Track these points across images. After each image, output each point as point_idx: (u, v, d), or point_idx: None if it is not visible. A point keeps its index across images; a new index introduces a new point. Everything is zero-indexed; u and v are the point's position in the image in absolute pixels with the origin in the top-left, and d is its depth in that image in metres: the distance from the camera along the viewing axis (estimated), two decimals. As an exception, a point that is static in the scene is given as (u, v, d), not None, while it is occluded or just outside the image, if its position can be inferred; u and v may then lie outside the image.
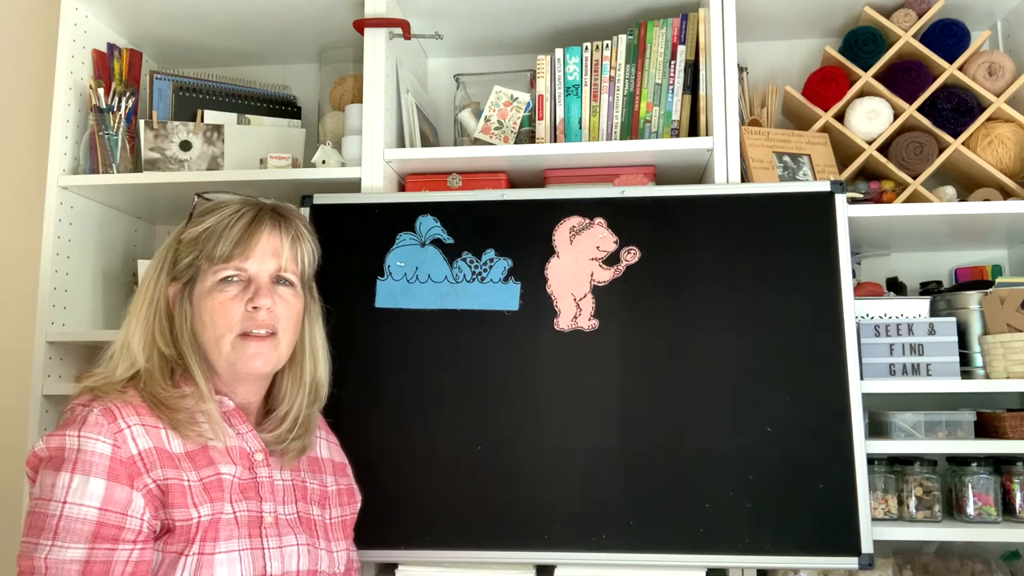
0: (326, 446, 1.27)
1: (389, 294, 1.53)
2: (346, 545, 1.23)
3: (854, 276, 1.57)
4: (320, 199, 1.60)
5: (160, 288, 1.13)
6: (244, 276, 1.11)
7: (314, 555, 1.13)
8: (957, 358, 1.51)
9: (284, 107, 1.96)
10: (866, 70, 1.73)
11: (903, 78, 1.72)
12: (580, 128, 1.70)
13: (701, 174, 1.73)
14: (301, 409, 1.17)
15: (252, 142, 1.83)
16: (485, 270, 1.52)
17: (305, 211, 1.59)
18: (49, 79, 1.76)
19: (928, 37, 1.73)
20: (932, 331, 1.52)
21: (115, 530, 0.97)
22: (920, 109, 1.71)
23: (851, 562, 1.38)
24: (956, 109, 1.70)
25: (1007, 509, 1.51)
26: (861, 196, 1.64)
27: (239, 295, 1.10)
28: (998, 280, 1.64)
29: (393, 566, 1.47)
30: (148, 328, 1.11)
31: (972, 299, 1.58)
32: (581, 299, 1.49)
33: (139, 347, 1.10)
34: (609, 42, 1.71)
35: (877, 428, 1.57)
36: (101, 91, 1.76)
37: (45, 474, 0.99)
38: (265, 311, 1.10)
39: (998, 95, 1.69)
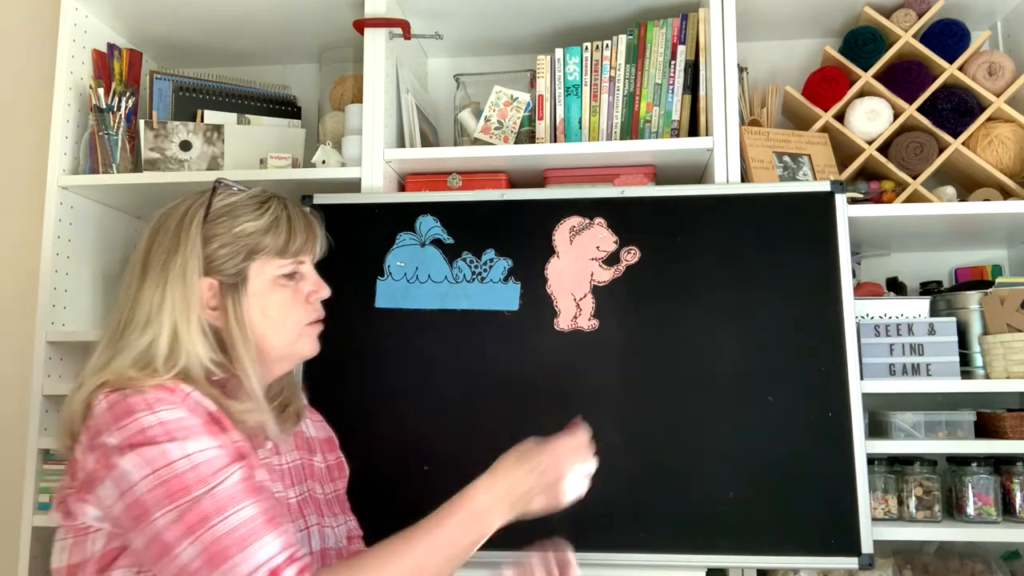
0: (312, 426, 1.28)
1: (389, 294, 1.53)
2: (344, 518, 1.23)
3: (854, 276, 1.57)
4: (320, 199, 1.60)
5: (192, 284, 1.04)
6: (301, 268, 1.13)
7: (323, 533, 1.14)
8: (957, 358, 1.51)
9: (284, 107, 1.96)
10: (866, 70, 1.73)
11: (903, 78, 1.72)
12: (580, 128, 1.70)
13: (701, 174, 1.73)
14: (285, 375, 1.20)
15: (252, 142, 1.83)
16: (485, 270, 1.52)
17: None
18: (49, 79, 1.76)
19: (928, 37, 1.73)
20: (932, 331, 1.52)
21: (242, 452, 0.96)
22: (920, 109, 1.71)
23: (851, 562, 1.38)
24: (956, 109, 1.70)
25: (1007, 509, 1.51)
26: (861, 196, 1.64)
27: (301, 287, 1.13)
28: (998, 280, 1.64)
29: (393, 566, 1.47)
30: (199, 328, 1.04)
31: (972, 299, 1.58)
32: (581, 299, 1.49)
33: (203, 349, 1.03)
34: (609, 42, 1.70)
35: (877, 428, 1.57)
36: (101, 91, 1.76)
37: (140, 453, 0.91)
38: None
39: (998, 95, 1.69)
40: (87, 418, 0.98)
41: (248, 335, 1.06)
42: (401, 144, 1.74)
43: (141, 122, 1.78)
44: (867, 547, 1.37)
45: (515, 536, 1.43)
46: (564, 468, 1.05)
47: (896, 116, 1.72)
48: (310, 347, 1.14)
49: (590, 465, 1.09)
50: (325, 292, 1.15)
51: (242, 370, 1.05)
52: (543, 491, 1.04)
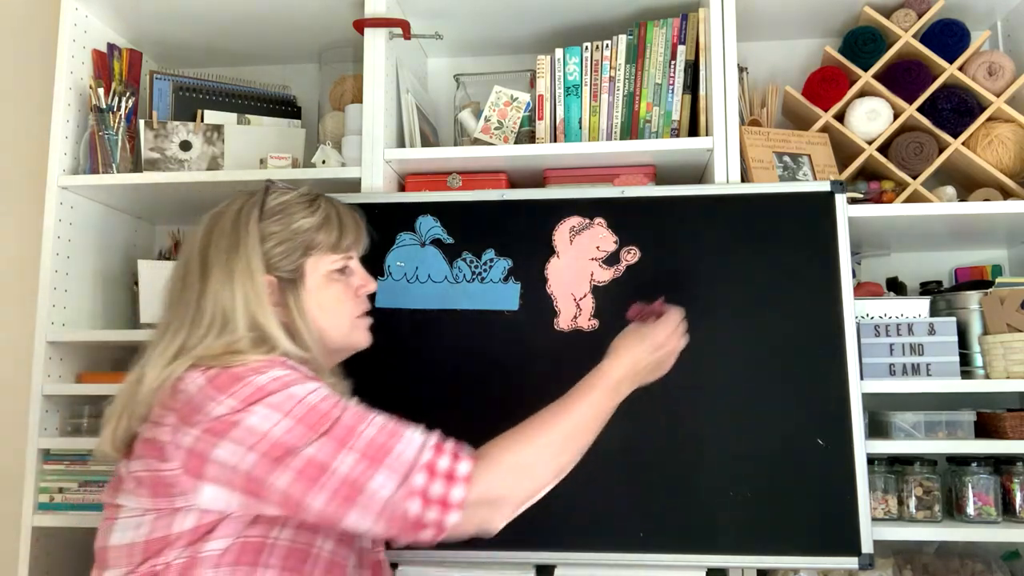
0: None
1: (389, 294, 1.53)
2: None
3: (854, 276, 1.57)
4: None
5: (259, 280, 1.08)
6: (350, 264, 1.19)
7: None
8: (957, 358, 1.51)
9: (284, 107, 1.96)
10: (866, 70, 1.73)
11: (903, 78, 1.72)
12: (580, 128, 1.70)
13: (701, 174, 1.73)
14: None
15: (252, 142, 1.83)
16: (485, 270, 1.52)
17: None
18: (49, 79, 1.76)
19: (928, 37, 1.73)
20: (932, 331, 1.52)
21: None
22: (920, 109, 1.71)
23: (851, 562, 1.38)
24: (956, 109, 1.70)
25: (1007, 509, 1.51)
26: (861, 196, 1.64)
27: (351, 281, 1.19)
28: (998, 280, 1.64)
29: (393, 566, 1.47)
30: (275, 321, 1.08)
31: (972, 299, 1.58)
32: (581, 299, 1.49)
33: (288, 343, 1.08)
34: (609, 42, 1.70)
35: (877, 428, 1.57)
36: (101, 91, 1.76)
37: (266, 404, 0.96)
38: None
39: (998, 95, 1.69)
40: (170, 398, 1.00)
41: (311, 327, 1.12)
42: (401, 144, 1.74)
43: (141, 122, 1.78)
44: (867, 547, 1.37)
45: (518, 536, 1.44)
46: (672, 344, 1.22)
47: (896, 116, 1.72)
48: (364, 338, 1.22)
49: (684, 340, 1.25)
50: (373, 286, 1.22)
51: (313, 358, 1.11)
52: (656, 365, 1.20)
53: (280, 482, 0.94)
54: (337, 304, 1.16)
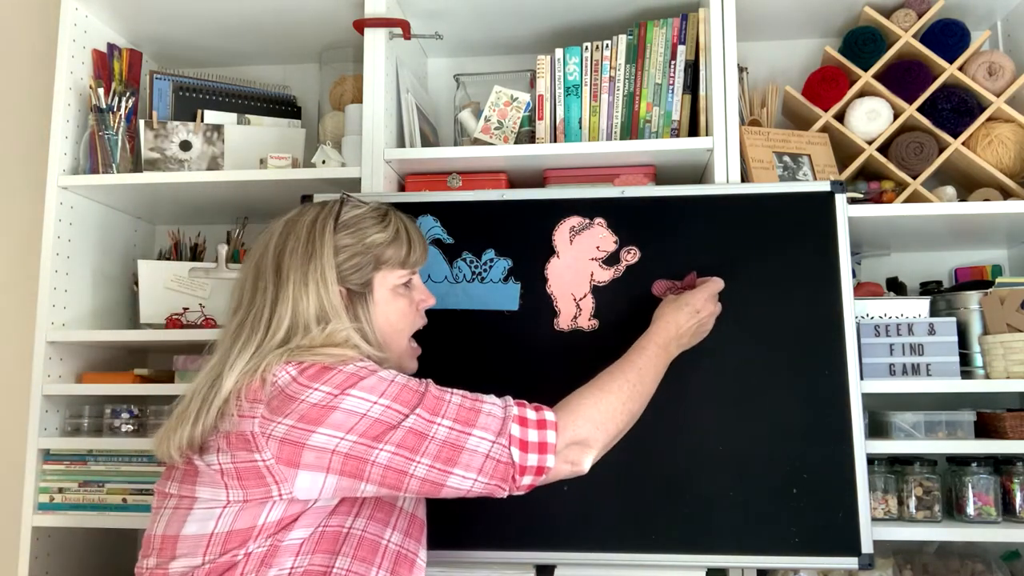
0: None
1: (389, 294, 1.53)
2: None
3: (854, 276, 1.57)
4: (320, 199, 1.59)
5: (334, 291, 1.12)
6: (413, 279, 1.23)
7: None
8: (957, 358, 1.51)
9: (284, 107, 1.96)
10: (866, 70, 1.73)
11: (903, 78, 1.72)
12: (580, 128, 1.70)
13: (701, 174, 1.73)
14: None
15: (252, 142, 1.83)
16: (485, 270, 1.52)
17: (305, 211, 1.59)
18: (49, 79, 1.76)
19: (928, 37, 1.73)
20: (932, 331, 1.52)
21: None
22: (920, 109, 1.71)
23: (851, 562, 1.38)
24: (956, 109, 1.70)
25: (1007, 509, 1.51)
26: (861, 196, 1.64)
27: (413, 295, 1.23)
28: (998, 280, 1.64)
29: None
30: (353, 329, 1.13)
31: (972, 299, 1.58)
32: (581, 299, 1.49)
33: (368, 347, 1.13)
34: (609, 42, 1.70)
35: (877, 428, 1.57)
36: (101, 91, 1.76)
37: (360, 387, 1.01)
38: None
39: (998, 95, 1.69)
40: (259, 390, 1.02)
41: (379, 339, 1.16)
42: (401, 144, 1.74)
43: (141, 122, 1.78)
44: (867, 547, 1.37)
45: (518, 536, 1.44)
46: (709, 309, 1.33)
47: (896, 116, 1.72)
48: (413, 364, 1.26)
49: (719, 307, 1.35)
50: (432, 300, 1.26)
51: (384, 361, 1.16)
52: (697, 328, 1.31)
53: (382, 457, 1.00)
54: (401, 318, 1.20)
